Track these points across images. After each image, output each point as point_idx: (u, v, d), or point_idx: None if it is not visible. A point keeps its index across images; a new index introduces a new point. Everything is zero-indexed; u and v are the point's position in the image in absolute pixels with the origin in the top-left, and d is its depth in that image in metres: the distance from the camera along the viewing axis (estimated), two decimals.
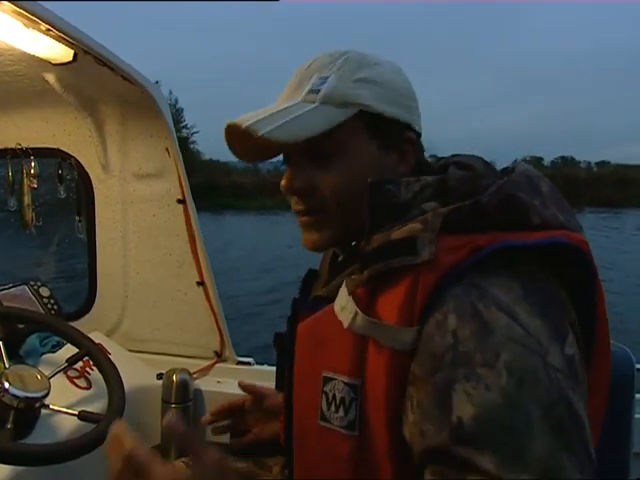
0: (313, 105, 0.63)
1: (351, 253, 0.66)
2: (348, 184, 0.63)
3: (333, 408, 0.56)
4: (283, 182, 0.67)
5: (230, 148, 0.68)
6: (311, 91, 0.64)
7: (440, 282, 0.51)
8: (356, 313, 0.55)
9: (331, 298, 0.61)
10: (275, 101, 0.68)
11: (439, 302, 0.51)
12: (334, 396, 0.56)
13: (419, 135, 0.69)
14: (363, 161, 0.64)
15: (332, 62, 0.65)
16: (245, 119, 0.62)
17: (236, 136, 0.66)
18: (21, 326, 1.28)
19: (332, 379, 0.57)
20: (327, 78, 0.64)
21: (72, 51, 1.10)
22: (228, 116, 0.65)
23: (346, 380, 0.56)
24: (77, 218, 1.60)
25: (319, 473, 0.59)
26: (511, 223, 0.54)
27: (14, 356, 1.22)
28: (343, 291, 0.58)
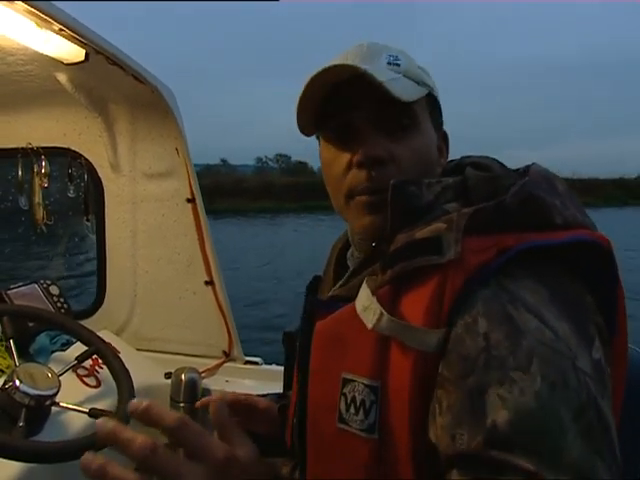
0: (399, 75, 0.62)
1: (372, 253, 0.63)
2: (418, 160, 0.62)
3: (352, 410, 0.55)
4: (361, 151, 0.61)
5: (300, 105, 0.62)
6: (390, 63, 0.62)
7: (468, 283, 0.50)
8: (381, 314, 0.53)
9: (348, 297, 0.59)
10: None
11: (468, 305, 0.49)
12: (353, 398, 0.55)
13: None
14: (429, 142, 0.64)
15: (387, 47, 0.65)
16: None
17: (314, 90, 0.61)
18: (31, 324, 1.28)
19: (352, 381, 0.55)
20: (397, 56, 0.63)
21: (84, 51, 1.11)
22: None
23: (367, 382, 0.54)
24: (85, 217, 1.61)
25: (336, 477, 0.57)
26: (534, 223, 0.53)
27: (24, 354, 1.23)
28: (365, 291, 0.56)
